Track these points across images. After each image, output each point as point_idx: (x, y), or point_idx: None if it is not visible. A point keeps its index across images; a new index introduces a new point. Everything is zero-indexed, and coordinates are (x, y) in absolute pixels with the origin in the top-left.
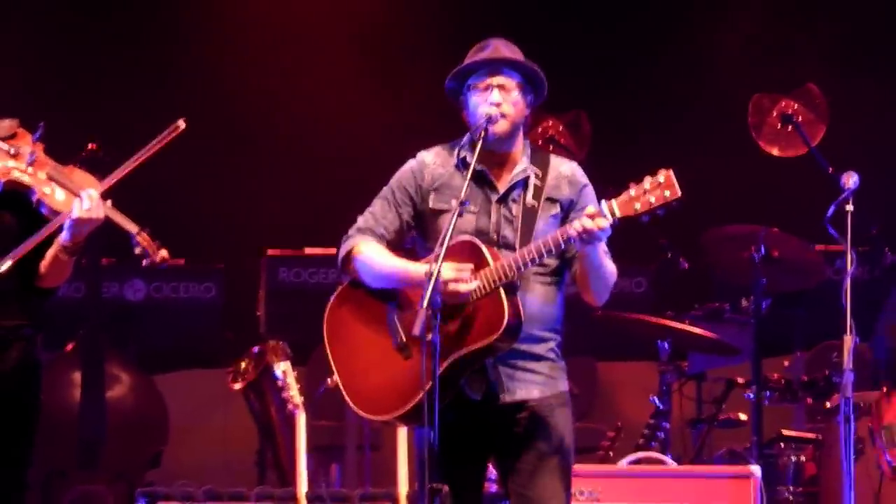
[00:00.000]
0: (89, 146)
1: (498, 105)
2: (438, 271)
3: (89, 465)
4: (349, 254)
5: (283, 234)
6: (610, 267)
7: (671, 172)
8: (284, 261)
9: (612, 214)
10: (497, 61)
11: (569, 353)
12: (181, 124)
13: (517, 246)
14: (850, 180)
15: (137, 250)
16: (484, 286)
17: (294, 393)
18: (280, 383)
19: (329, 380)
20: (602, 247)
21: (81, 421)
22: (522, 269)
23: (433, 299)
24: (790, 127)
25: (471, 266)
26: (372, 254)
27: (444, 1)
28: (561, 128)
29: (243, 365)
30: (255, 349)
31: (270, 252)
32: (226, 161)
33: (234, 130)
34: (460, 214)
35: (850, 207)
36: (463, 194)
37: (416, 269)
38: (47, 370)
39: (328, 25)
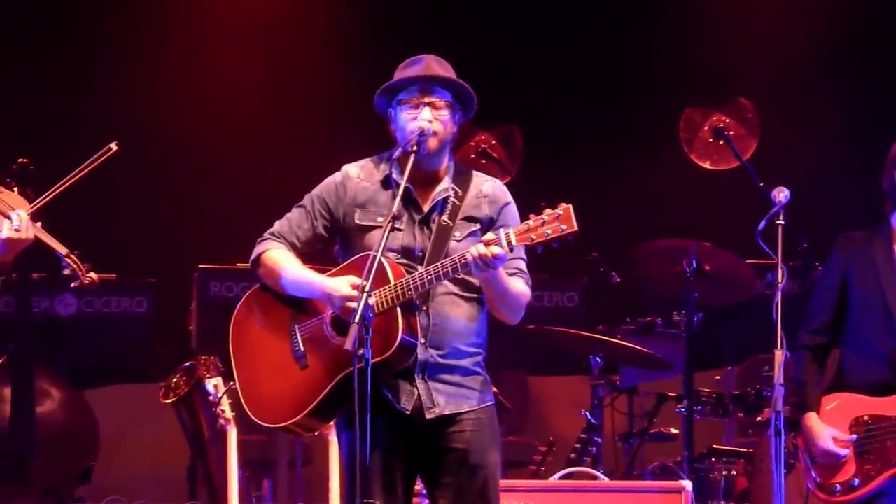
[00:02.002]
0: (19, 160)
1: (429, 122)
2: (368, 288)
3: (19, 481)
4: (259, 257)
5: (215, 250)
6: (517, 289)
7: (570, 207)
8: (216, 275)
9: (509, 243)
10: (430, 79)
11: (501, 367)
12: (113, 147)
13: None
14: (781, 195)
15: (67, 272)
16: (382, 303)
17: (225, 408)
18: (211, 398)
19: (232, 383)
20: (520, 265)
21: (11, 436)
22: (420, 290)
23: (364, 314)
24: (722, 141)
25: (363, 283)
26: (280, 260)
27: (374, 15)
28: (493, 142)
29: (175, 380)
30: (187, 364)
31: (202, 266)
32: (159, 176)
33: (166, 146)
34: (392, 230)
35: (781, 222)
36: (396, 209)
37: (319, 280)
38: None
39: (261, 47)
